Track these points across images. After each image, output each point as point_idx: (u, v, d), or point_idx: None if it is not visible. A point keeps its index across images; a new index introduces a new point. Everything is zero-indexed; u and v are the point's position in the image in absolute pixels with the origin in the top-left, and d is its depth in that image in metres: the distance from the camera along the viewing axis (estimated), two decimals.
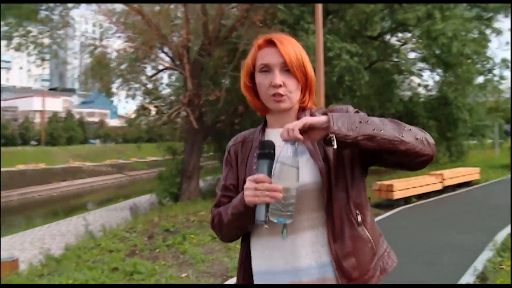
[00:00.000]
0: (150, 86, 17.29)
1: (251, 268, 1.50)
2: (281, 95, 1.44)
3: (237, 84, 13.44)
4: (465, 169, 13.91)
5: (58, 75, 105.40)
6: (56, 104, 68.76)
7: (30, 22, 15.43)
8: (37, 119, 58.99)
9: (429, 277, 5.05)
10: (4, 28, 14.79)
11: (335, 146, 1.27)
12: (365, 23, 14.51)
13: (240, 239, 1.55)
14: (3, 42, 15.63)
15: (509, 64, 15.29)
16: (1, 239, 11.22)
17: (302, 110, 1.52)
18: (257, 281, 1.48)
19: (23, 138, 51.09)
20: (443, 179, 12.17)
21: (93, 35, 19.20)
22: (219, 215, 1.51)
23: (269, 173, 1.32)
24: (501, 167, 18.46)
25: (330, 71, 12.15)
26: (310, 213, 1.41)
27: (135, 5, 13.26)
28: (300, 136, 1.28)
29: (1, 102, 57.35)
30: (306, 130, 1.30)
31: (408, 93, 19.55)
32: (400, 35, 17.38)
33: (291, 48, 1.46)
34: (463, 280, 4.90)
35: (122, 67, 16.33)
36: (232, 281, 5.30)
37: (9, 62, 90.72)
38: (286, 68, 1.45)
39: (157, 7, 14.24)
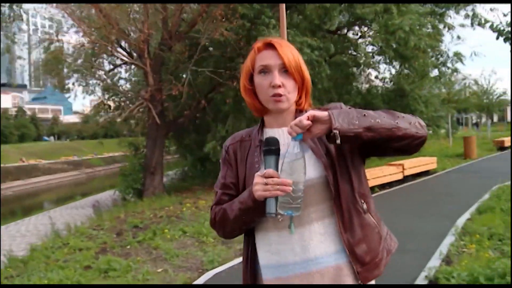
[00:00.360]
0: (108, 81, 16.96)
1: (257, 263, 1.56)
2: (281, 95, 1.50)
3: (198, 79, 13.27)
4: (424, 158, 14.34)
5: (6, 70, 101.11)
6: (5, 101, 66.28)
7: None
8: None
9: (399, 263, 5.25)
10: None
11: (339, 142, 1.35)
12: (324, 17, 14.73)
13: (238, 239, 1.61)
14: None
15: (463, 58, 15.88)
16: None
17: (299, 111, 1.58)
18: (265, 274, 1.53)
19: None
20: (404, 169, 12.53)
21: (46, 30, 18.58)
22: (223, 212, 1.55)
23: (276, 168, 1.38)
24: (456, 156, 19.26)
25: None
26: (317, 205, 1.48)
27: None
28: (308, 122, 1.33)
29: None
30: (308, 127, 1.35)
31: (366, 86, 19.93)
32: (357, 29, 17.70)
33: (289, 51, 1.53)
34: (431, 264, 5.15)
35: (79, 61, 15.93)
36: (209, 274, 5.36)
37: None
38: (285, 70, 1.51)
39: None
